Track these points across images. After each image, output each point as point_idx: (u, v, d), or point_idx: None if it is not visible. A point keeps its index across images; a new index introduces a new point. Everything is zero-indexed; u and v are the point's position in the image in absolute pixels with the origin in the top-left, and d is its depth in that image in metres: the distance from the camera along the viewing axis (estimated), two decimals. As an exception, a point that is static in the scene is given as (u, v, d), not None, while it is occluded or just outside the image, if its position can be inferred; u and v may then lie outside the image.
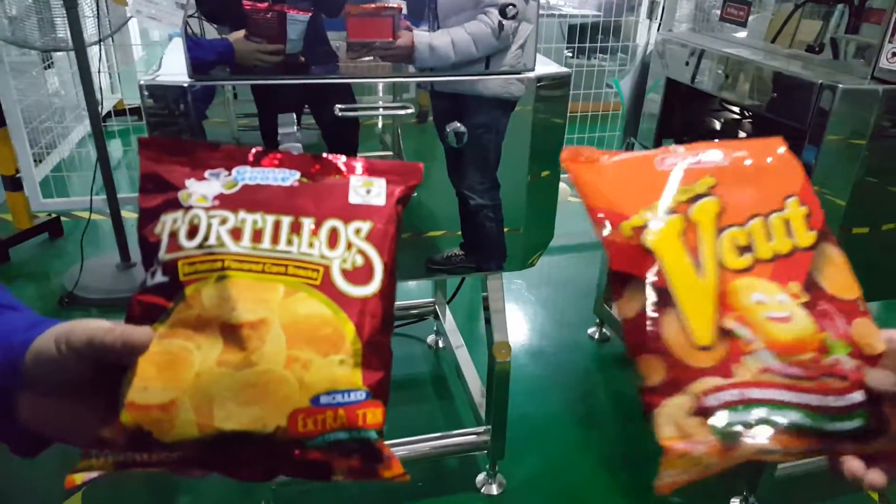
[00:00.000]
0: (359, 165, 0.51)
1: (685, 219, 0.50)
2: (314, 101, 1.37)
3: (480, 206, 1.55)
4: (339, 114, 1.36)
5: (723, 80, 1.69)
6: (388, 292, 0.47)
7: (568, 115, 1.53)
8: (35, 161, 3.34)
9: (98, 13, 2.57)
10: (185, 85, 1.29)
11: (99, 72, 2.69)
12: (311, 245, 0.47)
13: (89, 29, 2.77)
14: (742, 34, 1.76)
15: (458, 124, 1.43)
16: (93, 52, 2.66)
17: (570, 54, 4.40)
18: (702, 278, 0.48)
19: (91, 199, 2.78)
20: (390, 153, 1.52)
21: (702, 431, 0.46)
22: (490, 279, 1.73)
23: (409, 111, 1.40)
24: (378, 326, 0.46)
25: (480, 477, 1.88)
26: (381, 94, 1.41)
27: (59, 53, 3.66)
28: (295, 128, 1.35)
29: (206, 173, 0.48)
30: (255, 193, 0.47)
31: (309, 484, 1.84)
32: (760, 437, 0.43)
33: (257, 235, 0.46)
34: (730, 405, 0.45)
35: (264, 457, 0.43)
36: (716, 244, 0.49)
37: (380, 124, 1.46)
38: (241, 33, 1.27)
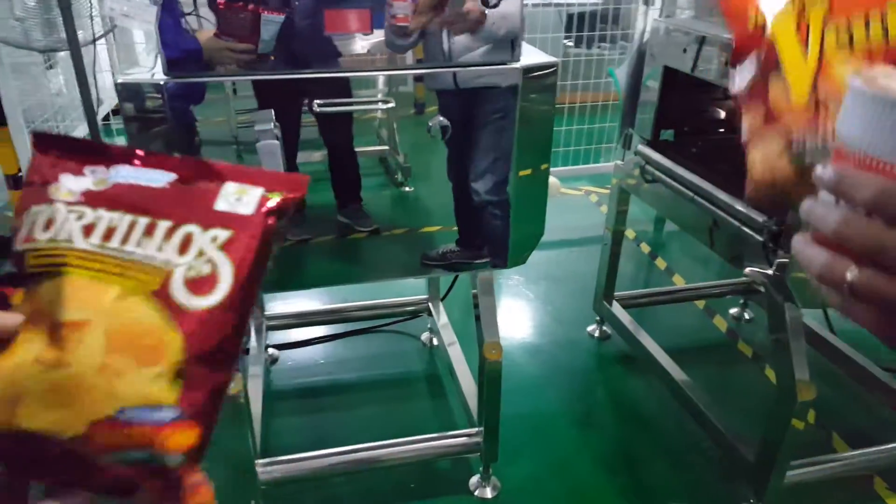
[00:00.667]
0: (240, 172, 0.47)
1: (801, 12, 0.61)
2: (308, 95, 1.34)
3: (473, 201, 1.53)
4: (318, 109, 1.33)
5: (724, 67, 1.64)
6: (234, 306, 0.43)
7: (557, 106, 1.49)
8: (36, 161, 3.34)
9: (92, 13, 2.56)
10: (161, 82, 1.27)
11: (94, 72, 2.68)
12: (159, 249, 0.44)
13: (87, 29, 2.76)
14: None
15: (442, 118, 1.40)
16: (95, 51, 2.65)
17: (570, 43, 4.34)
18: (806, 60, 0.60)
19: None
20: (386, 147, 1.49)
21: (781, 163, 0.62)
22: (480, 276, 1.69)
23: (390, 105, 1.37)
24: (212, 342, 0.42)
25: (474, 479, 1.85)
26: (379, 87, 1.38)
27: (61, 53, 3.66)
28: (272, 124, 1.32)
29: (85, 169, 0.46)
30: (121, 192, 0.45)
31: (301, 483, 1.82)
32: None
33: (108, 234, 0.44)
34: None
35: (69, 464, 0.41)
36: (822, 35, 0.59)
37: (379, 117, 1.43)
38: (211, 31, 1.24)
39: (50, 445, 0.40)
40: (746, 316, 2.65)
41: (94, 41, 2.71)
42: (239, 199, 0.46)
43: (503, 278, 2.91)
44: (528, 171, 1.49)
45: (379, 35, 1.32)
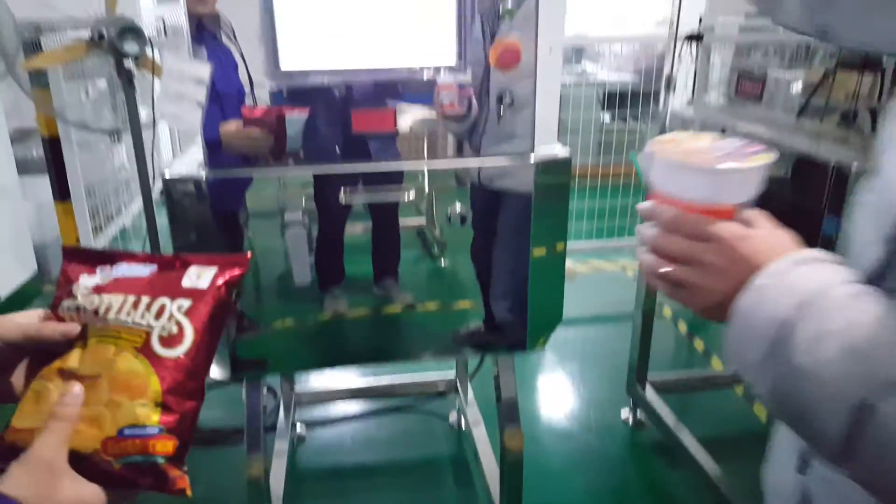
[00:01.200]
0: (201, 259, 0.67)
1: None
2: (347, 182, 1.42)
3: (489, 286, 1.56)
4: (343, 201, 1.40)
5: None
6: (195, 354, 0.62)
7: (595, 179, 1.52)
8: (97, 230, 3.54)
9: (153, 98, 2.75)
10: (202, 177, 1.36)
11: (153, 151, 2.85)
12: (142, 316, 0.62)
13: (150, 111, 2.96)
14: (766, 110, 1.73)
15: (459, 206, 1.45)
16: (155, 132, 2.84)
17: (609, 119, 4.42)
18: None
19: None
20: (423, 221, 1.55)
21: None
22: (501, 360, 1.70)
23: (410, 196, 1.43)
24: (179, 380, 0.61)
25: (495, 573, 1.81)
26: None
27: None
28: (299, 214, 1.40)
29: (97, 269, 0.67)
30: (119, 283, 0.66)
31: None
32: None
33: (107, 310, 0.63)
34: None
35: (90, 469, 0.58)
36: None
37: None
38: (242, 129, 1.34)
39: (80, 457, 0.58)
40: (788, 406, 2.54)
41: (154, 123, 2.90)
42: (199, 276, 0.65)
43: (536, 356, 2.89)
44: (545, 256, 1.51)
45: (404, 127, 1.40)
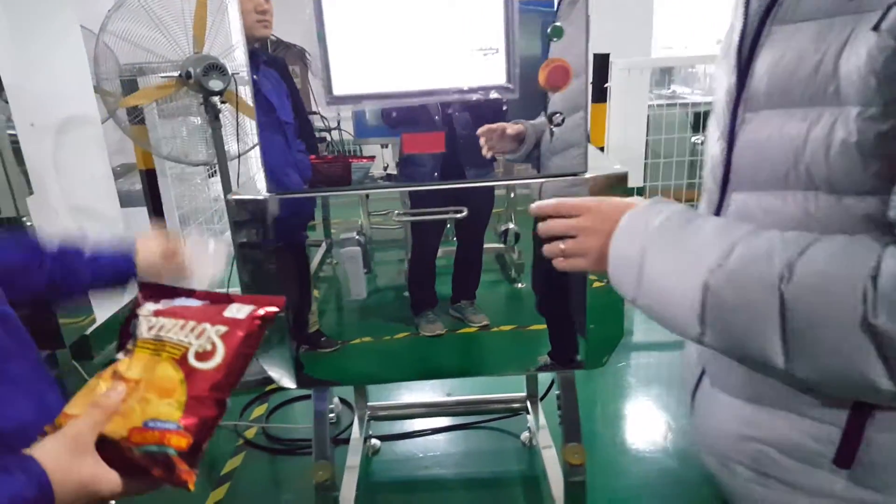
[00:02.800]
0: (244, 298, 0.78)
1: None
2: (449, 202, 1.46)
3: (550, 305, 1.56)
4: (396, 219, 1.44)
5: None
6: (223, 370, 0.71)
7: (688, 202, 1.50)
8: (192, 257, 3.77)
9: (238, 132, 2.93)
10: (263, 198, 1.44)
11: (238, 181, 3.03)
12: (185, 336, 0.74)
13: (237, 144, 3.16)
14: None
15: (513, 226, 1.47)
16: (239, 164, 3.02)
17: (699, 141, 4.30)
18: None
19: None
20: (503, 245, 1.58)
21: None
22: (562, 378, 1.69)
23: (462, 214, 1.45)
24: (205, 389, 0.70)
25: None
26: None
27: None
28: (354, 233, 1.46)
29: (161, 300, 0.80)
30: (174, 310, 0.78)
31: None
32: None
33: (160, 329, 0.76)
34: None
35: (115, 454, 0.68)
36: None
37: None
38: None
39: (108, 442, 0.68)
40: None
41: (238, 156, 3.09)
42: (239, 310, 0.76)
43: (613, 378, 2.83)
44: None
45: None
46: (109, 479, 0.68)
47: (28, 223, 2.06)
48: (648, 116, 4.20)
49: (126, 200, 3.82)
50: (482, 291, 1.57)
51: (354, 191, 1.46)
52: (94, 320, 2.68)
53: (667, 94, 5.54)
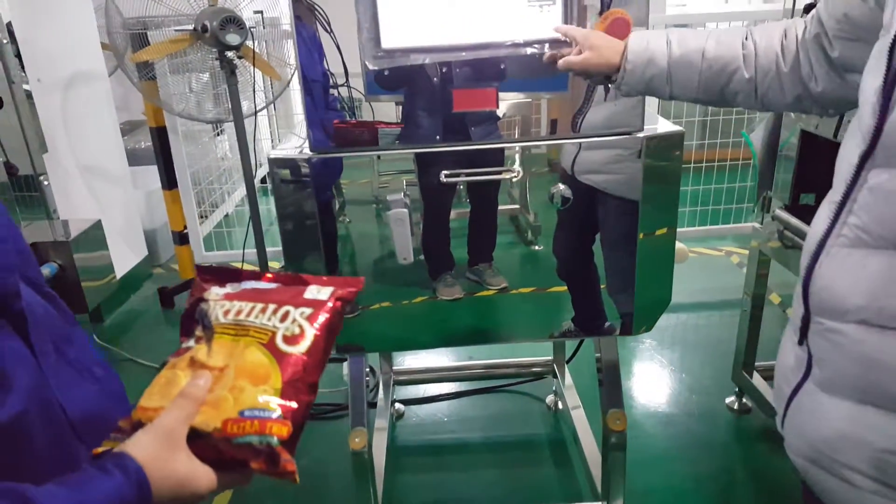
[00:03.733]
0: (320, 280, 0.75)
1: None
2: (458, 165, 1.43)
3: (582, 272, 1.53)
4: (444, 180, 1.40)
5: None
6: (313, 351, 0.68)
7: (697, 164, 1.46)
8: (202, 217, 3.72)
9: (255, 89, 2.84)
10: (307, 158, 1.39)
11: (254, 139, 2.96)
12: (269, 319, 0.70)
13: (250, 101, 3.08)
14: None
15: (564, 187, 1.42)
16: (256, 122, 2.95)
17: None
18: None
19: (243, 252, 3.03)
20: (517, 206, 1.54)
21: None
22: (604, 342, 1.66)
23: (515, 175, 1.41)
24: (299, 373, 0.66)
25: (596, 556, 1.78)
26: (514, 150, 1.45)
27: (228, 122, 4.09)
28: (402, 194, 1.41)
29: (227, 284, 0.76)
30: (248, 293, 0.74)
31: None
32: None
33: (238, 312, 0.71)
34: None
35: (208, 447, 0.63)
36: None
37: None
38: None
39: (199, 435, 0.63)
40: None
41: (255, 113, 3.01)
42: (319, 292, 0.73)
43: (635, 342, 2.82)
44: (654, 236, 1.47)
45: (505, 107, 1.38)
46: (207, 475, 0.63)
47: (45, 182, 1.99)
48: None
49: (131, 159, 3.74)
50: (499, 253, 1.54)
51: (398, 150, 1.41)
52: (114, 279, 2.62)
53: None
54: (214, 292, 0.75)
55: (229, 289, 0.75)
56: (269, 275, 0.77)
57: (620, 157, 1.41)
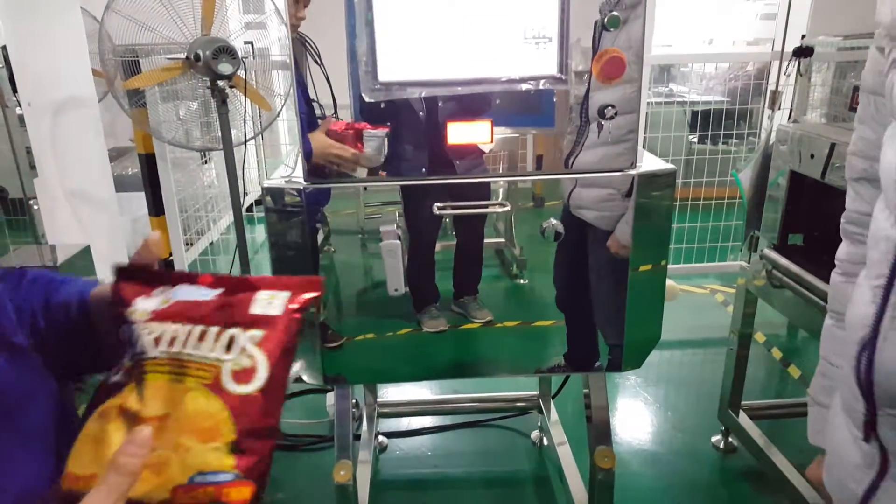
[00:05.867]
0: (269, 282, 0.61)
1: None
2: (444, 197, 1.43)
3: (579, 305, 1.53)
4: (437, 212, 1.40)
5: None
6: (270, 388, 0.56)
7: (683, 202, 1.48)
8: (187, 244, 3.68)
9: (245, 118, 2.85)
10: (301, 187, 1.38)
11: (244, 167, 2.96)
12: (211, 349, 0.56)
13: (240, 129, 3.08)
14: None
15: (556, 222, 1.43)
16: (246, 150, 2.95)
17: (695, 140, 4.31)
18: None
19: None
20: (502, 240, 1.54)
21: None
22: (592, 378, 1.66)
23: (506, 209, 1.41)
24: (255, 419, 0.55)
25: None
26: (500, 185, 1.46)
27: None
28: (395, 225, 1.41)
29: (153, 292, 0.61)
30: (182, 307, 0.59)
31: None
32: None
33: (172, 342, 0.57)
34: None
35: None
36: None
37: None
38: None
39: None
40: (895, 436, 2.38)
41: (244, 142, 3.01)
42: (270, 302, 0.59)
43: (620, 378, 2.81)
44: (644, 272, 1.47)
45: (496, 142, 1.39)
46: None
47: (35, 206, 1.97)
48: (647, 114, 4.20)
49: (118, 185, 3.70)
50: (484, 286, 1.53)
51: (391, 182, 1.42)
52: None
53: (664, 92, 5.55)
54: (140, 308, 0.60)
55: (158, 300, 0.60)
56: (207, 276, 0.63)
57: (612, 196, 1.42)
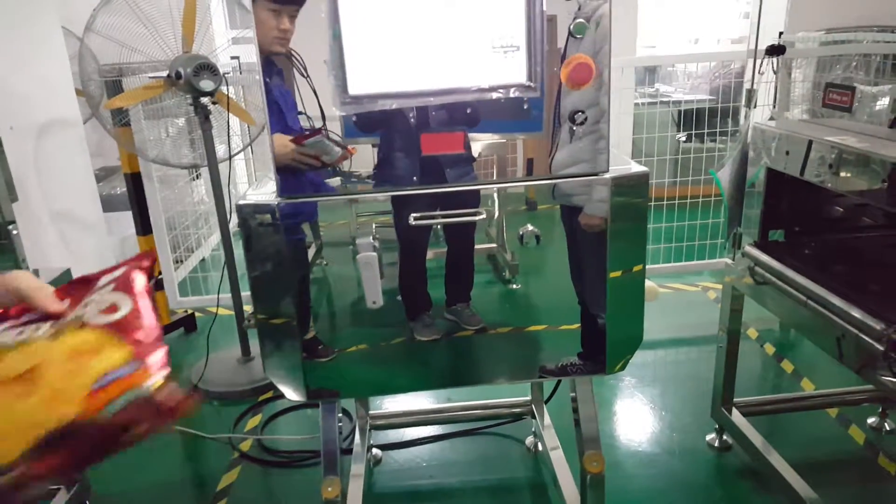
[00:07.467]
0: (106, 270, 0.69)
1: None
2: (434, 205, 1.43)
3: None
4: (413, 222, 1.40)
5: (828, 170, 1.57)
6: (139, 308, 0.62)
7: (672, 200, 1.48)
8: (178, 262, 3.68)
9: (229, 133, 2.85)
10: (274, 203, 1.38)
11: (229, 183, 2.95)
12: (69, 318, 0.62)
13: (224, 146, 3.08)
14: (854, 121, 1.64)
15: (531, 228, 1.43)
16: (231, 167, 2.95)
17: (684, 139, 4.32)
18: None
19: (218, 297, 3.00)
20: (494, 245, 1.54)
21: None
22: (579, 383, 1.65)
23: (481, 217, 1.41)
24: (134, 325, 0.60)
25: None
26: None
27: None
28: (370, 239, 1.41)
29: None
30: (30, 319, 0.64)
31: None
32: None
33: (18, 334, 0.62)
34: None
35: (85, 433, 0.55)
36: None
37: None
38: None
39: (66, 430, 0.54)
40: (887, 427, 2.38)
41: (229, 157, 3.01)
42: (112, 275, 0.67)
43: (614, 380, 2.81)
44: (623, 275, 1.47)
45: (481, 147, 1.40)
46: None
47: (14, 231, 1.96)
48: (634, 115, 4.21)
49: (107, 205, 3.71)
50: (476, 293, 1.53)
51: (372, 193, 1.42)
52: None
53: (650, 93, 5.56)
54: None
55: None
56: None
57: (590, 181, 1.42)
